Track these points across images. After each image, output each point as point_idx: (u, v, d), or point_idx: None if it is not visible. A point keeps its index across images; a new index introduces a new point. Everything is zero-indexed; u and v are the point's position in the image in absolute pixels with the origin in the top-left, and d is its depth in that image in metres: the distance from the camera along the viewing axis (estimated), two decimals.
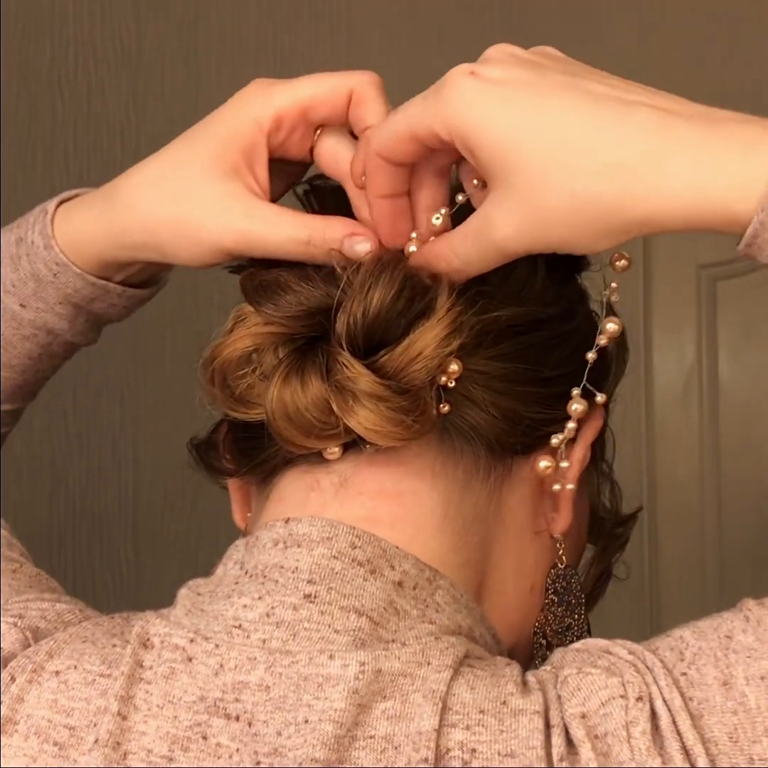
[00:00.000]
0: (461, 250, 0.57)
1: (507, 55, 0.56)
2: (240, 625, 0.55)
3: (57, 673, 0.55)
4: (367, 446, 0.57)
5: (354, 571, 0.55)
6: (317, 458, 0.58)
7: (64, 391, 1.64)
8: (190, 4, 1.67)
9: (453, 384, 0.57)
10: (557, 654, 0.55)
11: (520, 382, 0.58)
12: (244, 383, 0.58)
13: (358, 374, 0.55)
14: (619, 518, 0.71)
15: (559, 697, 0.51)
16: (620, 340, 0.65)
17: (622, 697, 0.50)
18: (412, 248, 0.58)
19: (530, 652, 0.65)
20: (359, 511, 0.57)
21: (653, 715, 0.50)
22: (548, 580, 0.64)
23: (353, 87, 0.61)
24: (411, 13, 1.62)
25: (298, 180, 0.64)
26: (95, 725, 0.53)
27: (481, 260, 0.56)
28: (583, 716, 0.50)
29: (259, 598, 0.55)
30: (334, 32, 1.64)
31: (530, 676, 0.53)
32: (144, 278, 0.69)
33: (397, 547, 0.57)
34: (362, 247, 0.58)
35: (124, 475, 1.66)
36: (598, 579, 0.70)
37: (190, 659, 0.54)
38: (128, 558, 1.64)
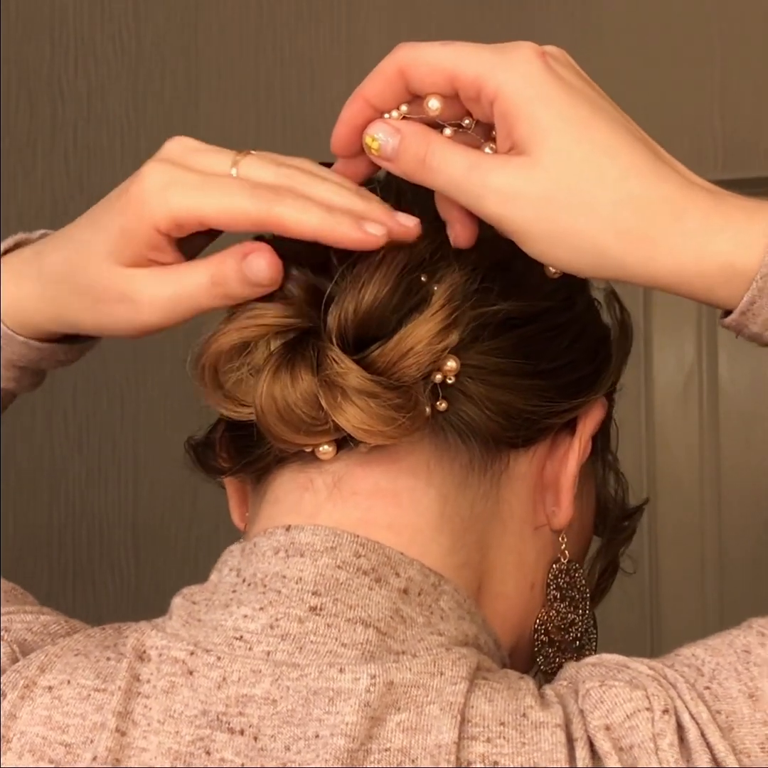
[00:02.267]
0: (445, 163, 0.55)
1: (569, 62, 0.57)
2: (241, 637, 0.54)
3: (50, 688, 0.54)
4: (359, 444, 0.56)
5: (359, 581, 0.55)
6: (311, 456, 0.57)
7: (64, 391, 1.64)
8: (190, 4, 1.67)
9: (451, 381, 0.56)
10: (570, 669, 0.54)
11: (518, 376, 0.58)
12: (234, 378, 0.57)
13: (347, 370, 0.54)
14: (626, 510, 0.70)
15: (582, 711, 0.50)
16: (623, 328, 0.65)
17: (647, 709, 0.49)
18: (395, 114, 0.57)
19: (531, 651, 0.64)
20: (354, 513, 0.57)
21: (679, 728, 0.49)
22: (550, 575, 0.63)
23: (256, 217, 0.56)
24: (411, 13, 1.62)
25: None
26: (92, 742, 0.52)
27: (451, 187, 0.55)
28: (608, 728, 0.49)
29: (261, 608, 0.54)
30: (334, 32, 1.64)
31: (547, 690, 0.53)
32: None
33: (402, 553, 0.56)
34: (257, 263, 0.55)
35: (124, 475, 1.66)
36: (604, 573, 0.69)
37: (190, 672, 0.53)
38: (128, 558, 1.64)
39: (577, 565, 0.64)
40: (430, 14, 1.62)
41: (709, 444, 1.59)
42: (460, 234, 0.58)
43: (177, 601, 0.58)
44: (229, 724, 0.52)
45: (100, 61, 1.69)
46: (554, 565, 0.63)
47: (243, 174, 0.58)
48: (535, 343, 0.59)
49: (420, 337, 0.55)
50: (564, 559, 0.63)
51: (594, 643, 0.66)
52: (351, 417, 0.54)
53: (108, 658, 0.55)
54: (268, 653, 0.53)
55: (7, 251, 0.66)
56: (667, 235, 0.52)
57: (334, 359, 0.55)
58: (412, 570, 0.56)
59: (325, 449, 0.57)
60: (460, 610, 0.56)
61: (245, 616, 0.54)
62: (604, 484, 0.68)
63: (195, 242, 0.60)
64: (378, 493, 0.57)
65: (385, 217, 0.56)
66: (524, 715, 0.51)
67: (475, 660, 0.53)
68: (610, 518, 0.69)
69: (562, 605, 0.64)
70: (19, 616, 0.60)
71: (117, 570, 1.64)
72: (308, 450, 0.57)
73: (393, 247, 0.56)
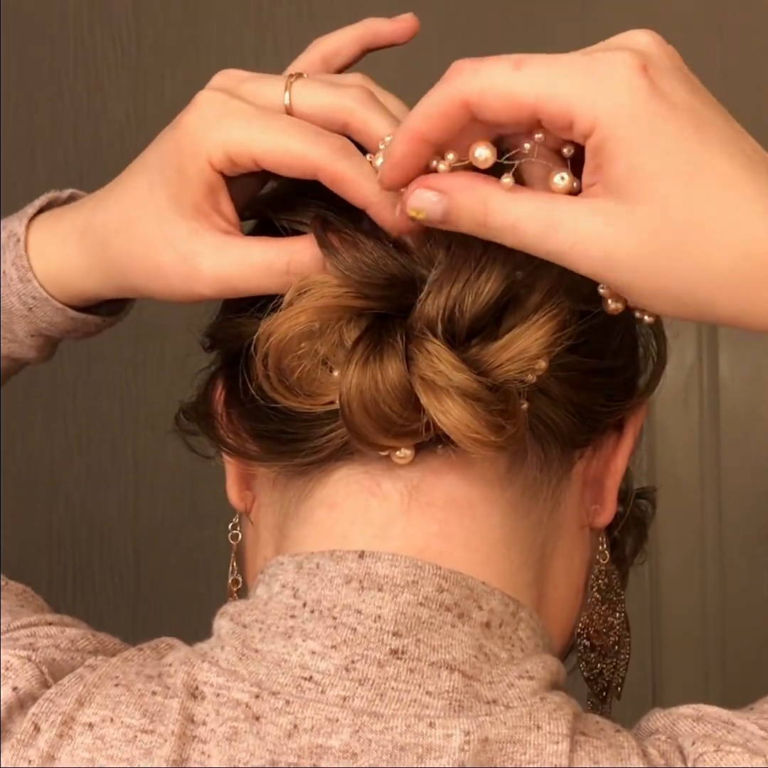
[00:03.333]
0: (512, 224, 0.47)
1: (674, 66, 0.49)
2: (311, 677, 0.49)
3: (90, 726, 0.49)
4: (439, 448, 0.52)
5: (442, 618, 0.50)
6: (376, 456, 0.53)
7: (64, 391, 1.64)
8: (190, 4, 1.67)
9: (534, 379, 0.51)
10: (661, 719, 0.51)
11: (590, 374, 0.55)
12: (301, 366, 0.52)
13: (450, 367, 0.49)
14: (632, 495, 0.68)
15: None
16: (655, 330, 0.62)
17: None
18: (442, 167, 0.49)
19: (564, 657, 0.61)
20: (431, 527, 0.52)
21: None
22: (592, 577, 0.60)
23: (316, 164, 0.53)
24: (411, 13, 1.62)
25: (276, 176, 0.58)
26: None
27: (525, 248, 0.48)
28: None
29: (333, 647, 0.50)
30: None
31: (649, 748, 0.49)
32: (122, 302, 0.65)
33: (483, 583, 0.52)
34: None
35: (124, 476, 1.66)
36: (626, 571, 0.66)
37: (257, 718, 0.48)
38: (128, 559, 1.63)
39: (614, 566, 0.61)
40: (430, 14, 1.61)
41: (709, 444, 1.59)
42: None
43: (224, 624, 0.53)
44: None
45: (100, 61, 1.68)
46: (595, 567, 0.60)
47: (297, 99, 0.55)
48: (598, 341, 0.56)
49: (532, 341, 0.51)
50: (603, 561, 0.61)
51: (629, 647, 0.63)
52: (459, 423, 0.49)
53: (153, 693, 0.50)
54: (345, 699, 0.48)
55: (40, 212, 0.63)
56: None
57: (435, 354, 0.50)
58: (494, 601, 0.52)
59: (404, 453, 0.52)
60: (535, 638, 0.53)
61: (314, 653, 0.50)
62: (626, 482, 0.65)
63: (244, 187, 0.56)
64: (451, 504, 0.53)
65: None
66: None
67: (570, 710, 0.50)
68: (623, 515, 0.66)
69: (602, 608, 0.61)
70: (43, 628, 0.54)
71: (117, 570, 1.63)
72: (384, 454, 0.52)
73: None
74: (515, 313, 0.51)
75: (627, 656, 0.63)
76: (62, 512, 1.66)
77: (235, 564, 0.63)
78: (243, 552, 0.63)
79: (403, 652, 0.49)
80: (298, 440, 0.54)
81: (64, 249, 0.60)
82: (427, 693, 0.49)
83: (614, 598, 0.62)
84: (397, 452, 0.52)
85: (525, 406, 0.52)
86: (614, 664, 0.63)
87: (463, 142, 0.50)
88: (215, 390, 0.60)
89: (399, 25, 0.56)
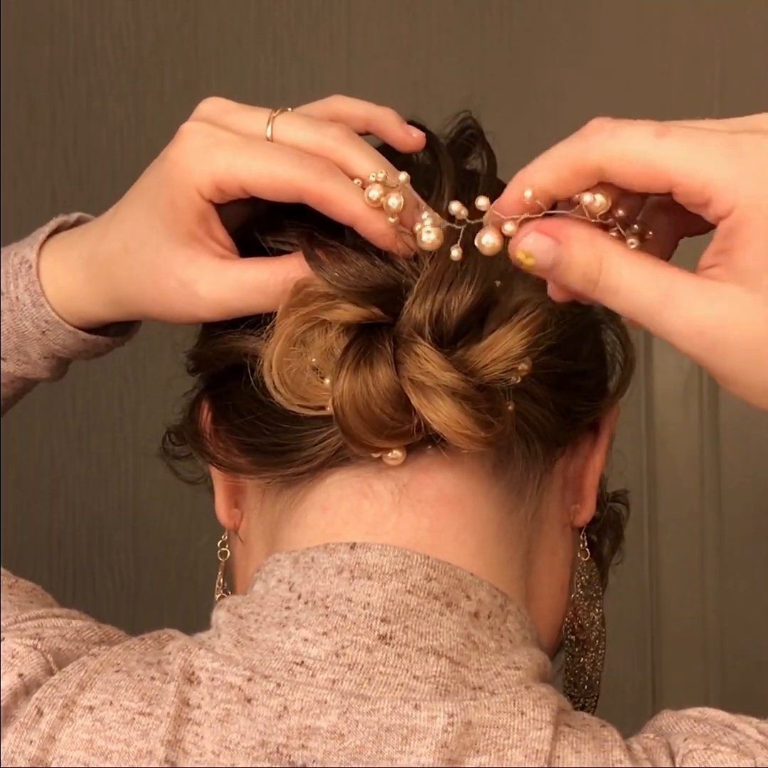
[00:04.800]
0: (629, 288, 0.46)
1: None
2: (302, 662, 0.51)
3: (91, 709, 0.51)
4: (429, 448, 0.54)
5: (430, 606, 0.52)
6: (366, 460, 0.54)
7: (64, 391, 1.64)
8: (190, 4, 1.67)
9: (517, 380, 0.53)
10: (667, 717, 0.51)
11: (570, 376, 0.57)
12: (293, 366, 0.54)
13: (438, 368, 0.51)
14: (605, 498, 0.69)
15: None
16: (622, 338, 0.65)
17: None
18: (509, 227, 0.47)
19: (553, 654, 0.62)
20: (422, 522, 0.54)
21: None
22: (576, 574, 0.62)
23: (303, 188, 0.55)
24: (411, 13, 1.62)
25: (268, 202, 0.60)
26: None
27: (635, 315, 0.47)
28: None
29: (324, 633, 0.51)
30: (334, 32, 1.63)
31: (634, 744, 0.50)
32: (130, 323, 0.67)
33: (472, 574, 0.54)
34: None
35: (124, 475, 1.66)
36: (604, 569, 0.68)
37: (248, 700, 0.49)
38: (128, 558, 1.64)
39: (593, 562, 0.63)
40: (430, 14, 1.61)
41: (709, 444, 1.59)
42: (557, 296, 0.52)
43: (221, 615, 0.55)
44: (290, 757, 0.48)
45: (100, 61, 1.69)
46: (577, 564, 0.62)
47: (278, 133, 0.56)
48: (573, 344, 0.58)
49: (516, 341, 0.52)
50: (583, 558, 0.62)
51: (605, 642, 0.65)
52: (449, 420, 0.51)
53: (152, 678, 0.52)
54: (334, 682, 0.50)
55: (48, 238, 0.65)
56: None
57: (423, 356, 0.51)
58: (482, 592, 0.53)
59: (396, 455, 0.54)
60: (523, 631, 0.54)
61: (306, 640, 0.51)
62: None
63: (233, 214, 0.58)
64: (442, 500, 0.55)
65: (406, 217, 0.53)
66: None
67: (555, 700, 0.51)
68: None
69: (585, 604, 0.63)
70: (50, 620, 0.56)
71: (117, 570, 1.63)
72: (376, 456, 0.54)
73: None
74: (497, 315, 0.53)
75: (603, 651, 0.64)
76: (62, 511, 1.66)
77: (222, 580, 0.64)
78: (232, 568, 0.65)
79: (391, 638, 0.51)
80: (290, 451, 0.56)
81: (73, 276, 0.63)
82: (414, 677, 0.50)
83: (594, 595, 0.64)
84: (389, 454, 0.54)
85: (511, 407, 0.54)
86: (593, 658, 0.64)
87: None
88: (201, 411, 0.62)
89: (407, 138, 0.58)
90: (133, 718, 0.50)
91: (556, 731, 0.49)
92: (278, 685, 0.50)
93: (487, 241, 0.49)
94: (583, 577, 0.63)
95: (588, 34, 1.57)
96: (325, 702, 0.49)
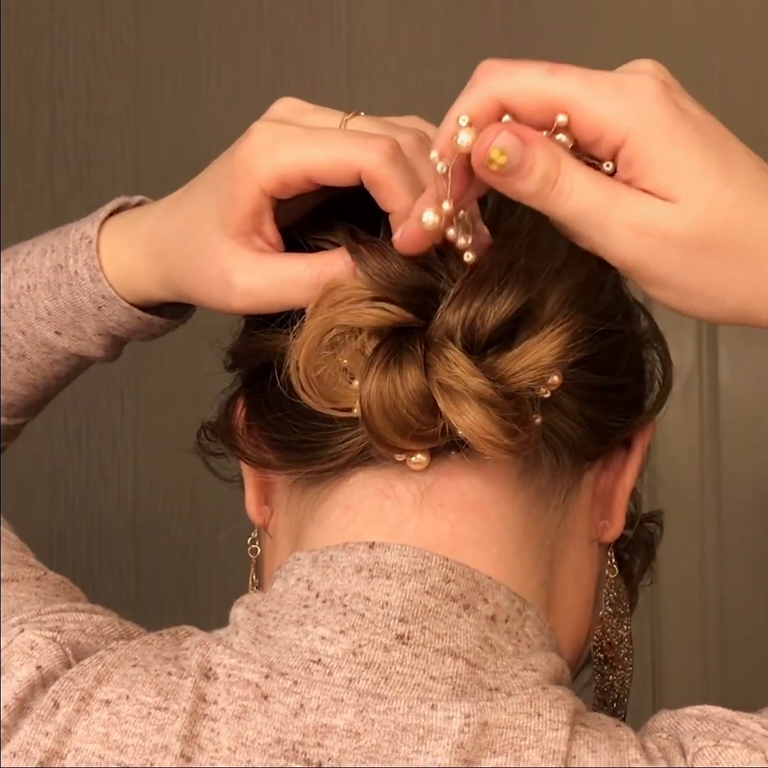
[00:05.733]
0: (580, 190, 0.49)
1: (683, 90, 0.51)
2: (319, 660, 0.51)
3: (107, 702, 0.51)
4: (453, 453, 0.54)
5: (448, 608, 0.52)
6: (391, 461, 0.55)
7: (64, 391, 1.64)
8: (190, 4, 1.67)
9: (548, 394, 0.54)
10: (666, 718, 0.52)
11: (602, 390, 0.57)
12: (323, 368, 0.54)
13: (467, 373, 0.51)
14: (639, 519, 0.70)
15: None
16: (662, 355, 0.65)
17: None
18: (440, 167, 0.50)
19: (577, 669, 0.62)
20: (443, 526, 0.54)
21: None
22: (604, 591, 0.62)
23: (362, 169, 0.55)
24: (411, 13, 1.62)
25: (327, 197, 0.60)
26: (152, 764, 0.49)
27: (581, 219, 0.49)
28: None
29: (342, 632, 0.51)
30: (334, 32, 1.63)
31: (649, 743, 0.50)
32: (185, 306, 0.68)
33: (490, 578, 0.54)
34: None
35: (124, 475, 1.66)
36: (634, 587, 0.68)
37: (265, 697, 0.50)
38: (128, 558, 1.64)
39: (622, 580, 0.63)
40: (430, 14, 1.61)
41: (709, 444, 1.59)
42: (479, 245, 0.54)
43: (240, 612, 0.55)
44: (305, 755, 0.48)
45: (100, 61, 1.69)
46: (605, 581, 0.62)
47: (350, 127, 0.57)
48: (608, 359, 0.58)
49: (546, 351, 0.53)
50: (612, 575, 0.62)
51: (632, 659, 0.65)
52: (475, 425, 0.51)
53: (169, 673, 0.52)
54: (350, 681, 0.50)
55: (110, 216, 0.66)
56: None
57: (453, 361, 0.52)
58: (500, 596, 0.53)
59: (419, 459, 0.54)
60: (542, 637, 0.54)
61: (323, 638, 0.52)
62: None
63: (289, 211, 0.59)
64: (465, 506, 0.55)
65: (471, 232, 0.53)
66: None
67: (571, 702, 0.51)
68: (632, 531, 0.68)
69: (613, 621, 0.63)
70: (72, 614, 0.57)
71: (117, 570, 1.63)
72: (400, 459, 0.54)
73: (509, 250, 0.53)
74: (530, 325, 0.54)
75: (631, 669, 0.64)
76: (62, 511, 1.66)
77: (254, 577, 0.65)
78: (262, 565, 0.65)
79: (408, 638, 0.51)
80: (317, 448, 0.56)
81: (132, 253, 0.64)
82: (431, 678, 0.50)
83: (622, 612, 0.64)
84: (413, 458, 0.54)
85: (539, 420, 0.54)
86: (622, 676, 0.64)
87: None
88: (236, 408, 0.62)
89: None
90: (150, 713, 0.50)
91: (572, 731, 0.49)
92: (295, 682, 0.50)
93: (428, 218, 0.51)
94: (611, 594, 0.63)
95: (588, 34, 1.57)
96: (342, 700, 0.49)
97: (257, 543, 0.65)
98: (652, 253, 0.49)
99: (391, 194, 0.55)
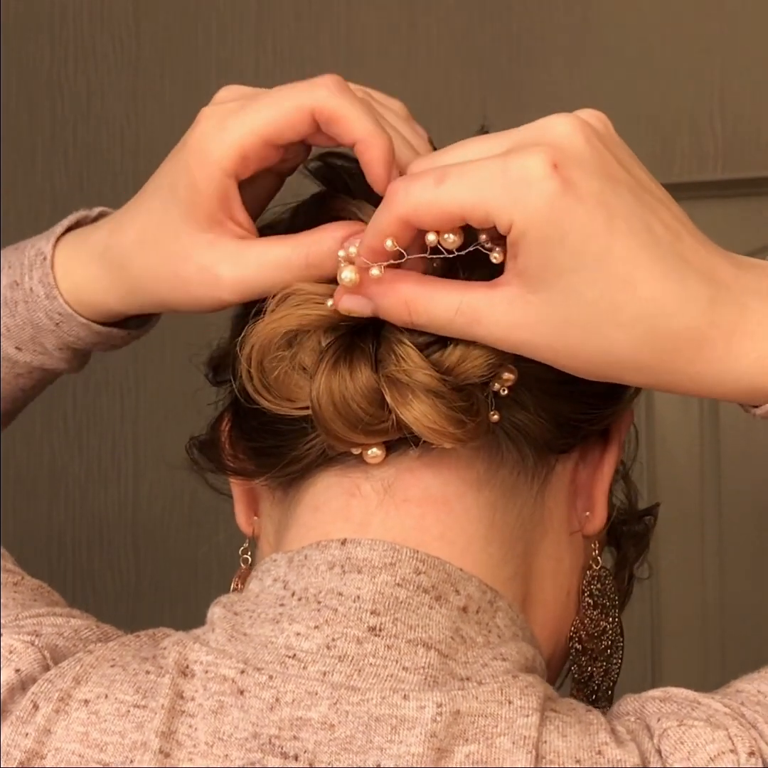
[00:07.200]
0: (439, 315, 0.52)
1: (591, 147, 0.51)
2: (294, 655, 0.51)
3: (86, 702, 0.51)
4: (413, 449, 0.54)
5: (419, 599, 0.53)
6: (354, 460, 0.55)
7: (64, 391, 1.64)
8: (190, 4, 1.67)
9: (506, 391, 0.55)
10: (632, 702, 0.53)
11: (562, 383, 0.57)
12: (279, 370, 0.54)
13: (415, 367, 0.52)
14: (636, 514, 0.70)
15: (660, 751, 0.49)
16: None
17: (731, 751, 0.48)
18: (376, 271, 0.53)
19: (562, 661, 0.63)
20: (408, 521, 0.55)
21: None
22: (584, 582, 0.62)
23: (313, 107, 0.56)
24: (411, 13, 1.62)
25: (290, 172, 0.61)
26: (132, 762, 0.49)
27: (451, 333, 0.52)
28: None
29: (316, 627, 0.52)
30: (334, 32, 1.64)
31: (618, 726, 0.51)
32: (149, 315, 0.67)
33: (461, 569, 0.54)
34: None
35: (124, 475, 1.66)
36: (630, 579, 0.68)
37: (241, 692, 0.50)
38: (128, 558, 1.64)
39: (607, 571, 0.63)
40: (429, 14, 1.61)
41: (709, 444, 1.59)
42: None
43: (216, 611, 0.55)
44: (282, 748, 0.49)
45: (100, 61, 1.69)
46: (587, 572, 0.62)
47: None
48: None
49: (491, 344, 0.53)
50: (596, 566, 0.63)
51: (621, 651, 0.65)
52: (420, 415, 0.52)
53: (147, 672, 0.52)
54: (325, 674, 0.51)
55: (67, 232, 0.65)
56: (690, 366, 0.51)
57: (401, 355, 0.53)
58: (471, 587, 0.54)
59: (375, 453, 0.55)
60: (514, 627, 0.55)
61: (298, 634, 0.52)
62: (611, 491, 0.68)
63: (255, 195, 0.59)
64: (429, 500, 0.55)
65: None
66: (599, 752, 0.49)
67: (542, 689, 0.51)
68: (621, 525, 0.69)
69: (594, 613, 0.63)
70: (49, 618, 0.57)
71: (117, 570, 1.64)
72: (356, 452, 0.55)
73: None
74: None
75: (620, 661, 0.64)
76: (62, 511, 1.66)
77: (239, 585, 0.65)
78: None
79: (380, 630, 0.52)
80: (285, 452, 0.57)
81: (87, 270, 0.63)
82: (403, 668, 0.51)
83: (608, 603, 0.64)
84: (369, 452, 0.55)
85: (496, 417, 0.55)
86: (605, 668, 0.64)
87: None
88: (223, 421, 0.62)
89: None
90: (128, 711, 0.51)
91: (543, 717, 0.50)
92: (270, 677, 0.51)
93: (346, 276, 0.53)
94: (593, 586, 0.63)
95: (588, 34, 1.57)
96: (316, 693, 0.50)
97: (249, 554, 0.65)
98: (528, 350, 0.52)
99: (348, 123, 0.55)
